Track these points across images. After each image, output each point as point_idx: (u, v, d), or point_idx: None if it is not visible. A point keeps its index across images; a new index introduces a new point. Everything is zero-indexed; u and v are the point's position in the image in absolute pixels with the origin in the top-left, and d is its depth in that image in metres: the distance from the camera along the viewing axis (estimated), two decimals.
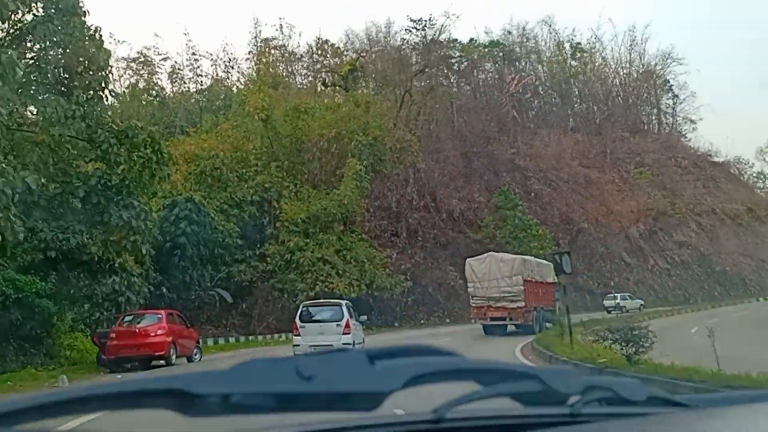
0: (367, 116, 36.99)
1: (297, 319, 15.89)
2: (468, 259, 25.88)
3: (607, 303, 39.53)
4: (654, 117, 71.43)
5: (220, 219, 30.25)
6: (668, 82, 73.09)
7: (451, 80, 56.41)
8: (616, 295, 40.72)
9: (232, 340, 27.70)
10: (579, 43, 71.38)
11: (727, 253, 50.80)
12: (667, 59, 69.63)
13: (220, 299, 29.43)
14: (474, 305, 24.77)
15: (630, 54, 70.92)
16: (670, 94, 72.82)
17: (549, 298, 26.67)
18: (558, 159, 55.10)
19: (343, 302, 16.86)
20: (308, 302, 18.69)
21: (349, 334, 15.20)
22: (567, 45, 70.31)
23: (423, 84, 48.27)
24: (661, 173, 59.50)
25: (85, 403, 0.89)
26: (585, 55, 70.49)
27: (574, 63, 69.43)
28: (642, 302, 40.91)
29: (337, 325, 15.36)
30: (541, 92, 66.72)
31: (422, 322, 36.00)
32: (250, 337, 28.41)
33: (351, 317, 15.94)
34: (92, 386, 0.91)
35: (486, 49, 62.31)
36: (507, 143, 52.77)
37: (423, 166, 41.39)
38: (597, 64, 70.78)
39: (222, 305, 29.93)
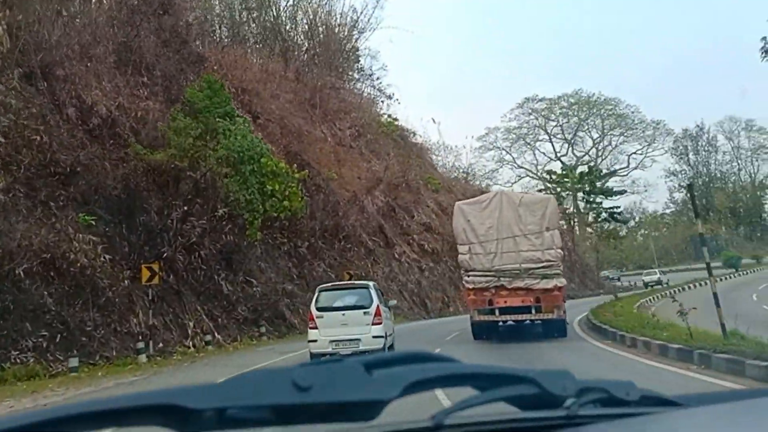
0: None
1: (312, 307, 12.01)
2: (458, 203, 14.99)
3: (647, 278, 40.11)
4: (355, 80, 58.53)
5: None
6: (357, 49, 63.25)
7: None
8: (655, 270, 41.45)
9: None
10: None
11: None
12: (353, 29, 58.86)
13: None
14: (469, 286, 13.76)
15: None
16: (360, 63, 63.04)
17: None
18: (264, 84, 35.34)
19: (371, 283, 12.95)
20: (326, 285, 13.49)
21: (380, 324, 11.67)
22: None
23: None
24: (376, 141, 46.27)
25: (67, 423, 0.79)
26: None
27: None
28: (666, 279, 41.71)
29: (365, 313, 11.68)
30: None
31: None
32: None
33: (380, 302, 12.21)
34: (75, 405, 0.81)
35: None
36: (186, 37, 30.53)
37: None
38: None
39: None
